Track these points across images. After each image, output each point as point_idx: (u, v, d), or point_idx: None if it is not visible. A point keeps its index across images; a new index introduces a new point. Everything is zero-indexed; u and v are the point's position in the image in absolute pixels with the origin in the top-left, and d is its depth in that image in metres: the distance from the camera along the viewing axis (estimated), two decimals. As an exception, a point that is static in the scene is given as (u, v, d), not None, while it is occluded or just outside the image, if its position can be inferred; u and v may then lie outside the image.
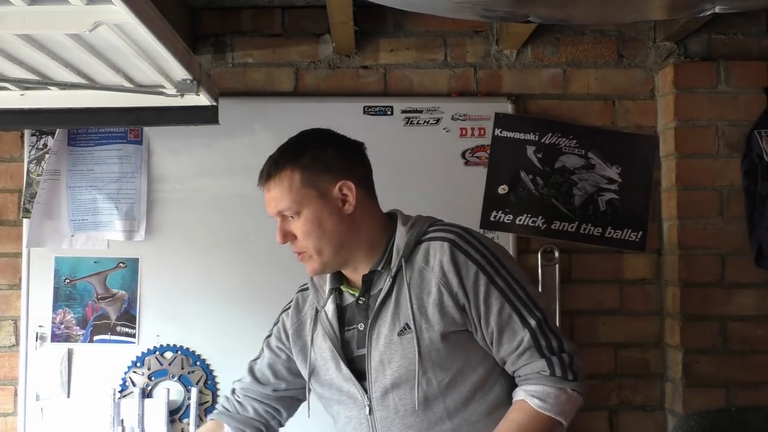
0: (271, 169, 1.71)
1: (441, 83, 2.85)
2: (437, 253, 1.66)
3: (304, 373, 1.83)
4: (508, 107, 2.80)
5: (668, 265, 2.78)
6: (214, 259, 2.74)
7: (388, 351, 1.67)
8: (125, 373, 2.71)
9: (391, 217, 1.79)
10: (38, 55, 1.77)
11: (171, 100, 2.14)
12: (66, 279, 2.73)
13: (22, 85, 2.08)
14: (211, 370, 2.72)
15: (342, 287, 1.79)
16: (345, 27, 2.56)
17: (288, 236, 1.71)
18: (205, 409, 2.70)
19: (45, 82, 1.99)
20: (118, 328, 2.72)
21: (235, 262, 2.74)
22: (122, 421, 2.66)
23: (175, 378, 2.71)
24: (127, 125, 2.67)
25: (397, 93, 2.83)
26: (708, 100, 2.73)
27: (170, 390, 2.71)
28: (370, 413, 1.71)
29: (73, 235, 2.73)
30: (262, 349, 1.95)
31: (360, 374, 1.72)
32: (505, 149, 2.77)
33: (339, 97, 2.81)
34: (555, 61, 2.85)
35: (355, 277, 1.76)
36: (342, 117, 2.75)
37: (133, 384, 2.70)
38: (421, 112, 2.77)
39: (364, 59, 2.84)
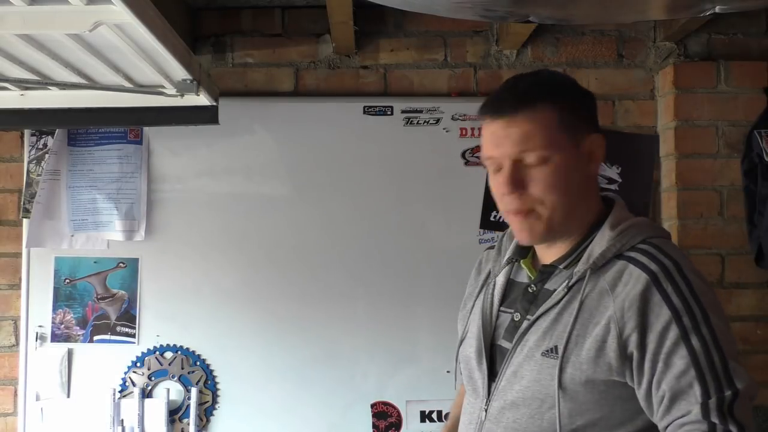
0: (522, 98, 1.42)
1: (441, 83, 2.84)
2: (630, 283, 1.33)
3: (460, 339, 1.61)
4: (508, 107, 2.79)
5: (668, 265, 2.77)
6: (214, 259, 2.74)
7: (525, 366, 1.41)
8: (125, 373, 2.71)
9: (606, 203, 1.49)
10: (38, 55, 1.77)
11: (171, 100, 2.14)
12: (66, 279, 2.73)
13: (22, 85, 2.08)
14: (211, 370, 2.72)
15: (523, 262, 1.52)
16: (345, 27, 2.56)
17: (520, 186, 1.40)
18: (205, 409, 2.70)
19: (45, 82, 1.99)
20: (118, 328, 2.72)
21: (235, 261, 2.74)
22: (122, 421, 2.66)
23: (175, 378, 2.71)
24: (127, 125, 2.67)
25: (397, 93, 2.83)
26: (708, 100, 2.73)
27: (170, 390, 2.70)
28: (482, 420, 1.46)
29: (73, 235, 2.73)
30: None
31: (493, 371, 1.47)
32: (505, 149, 2.76)
33: (339, 97, 2.81)
34: (555, 61, 2.85)
35: (545, 255, 1.49)
36: (342, 117, 2.76)
37: (133, 384, 2.70)
38: (421, 112, 2.77)
39: (364, 59, 2.84)
